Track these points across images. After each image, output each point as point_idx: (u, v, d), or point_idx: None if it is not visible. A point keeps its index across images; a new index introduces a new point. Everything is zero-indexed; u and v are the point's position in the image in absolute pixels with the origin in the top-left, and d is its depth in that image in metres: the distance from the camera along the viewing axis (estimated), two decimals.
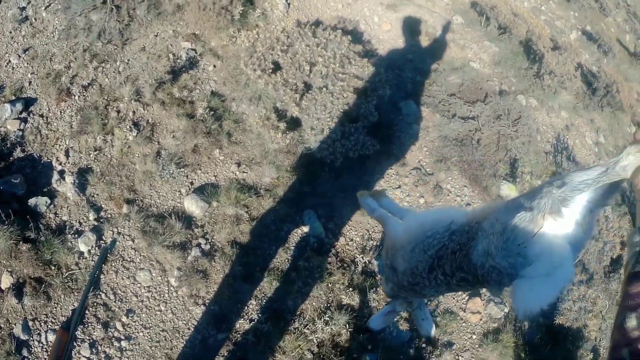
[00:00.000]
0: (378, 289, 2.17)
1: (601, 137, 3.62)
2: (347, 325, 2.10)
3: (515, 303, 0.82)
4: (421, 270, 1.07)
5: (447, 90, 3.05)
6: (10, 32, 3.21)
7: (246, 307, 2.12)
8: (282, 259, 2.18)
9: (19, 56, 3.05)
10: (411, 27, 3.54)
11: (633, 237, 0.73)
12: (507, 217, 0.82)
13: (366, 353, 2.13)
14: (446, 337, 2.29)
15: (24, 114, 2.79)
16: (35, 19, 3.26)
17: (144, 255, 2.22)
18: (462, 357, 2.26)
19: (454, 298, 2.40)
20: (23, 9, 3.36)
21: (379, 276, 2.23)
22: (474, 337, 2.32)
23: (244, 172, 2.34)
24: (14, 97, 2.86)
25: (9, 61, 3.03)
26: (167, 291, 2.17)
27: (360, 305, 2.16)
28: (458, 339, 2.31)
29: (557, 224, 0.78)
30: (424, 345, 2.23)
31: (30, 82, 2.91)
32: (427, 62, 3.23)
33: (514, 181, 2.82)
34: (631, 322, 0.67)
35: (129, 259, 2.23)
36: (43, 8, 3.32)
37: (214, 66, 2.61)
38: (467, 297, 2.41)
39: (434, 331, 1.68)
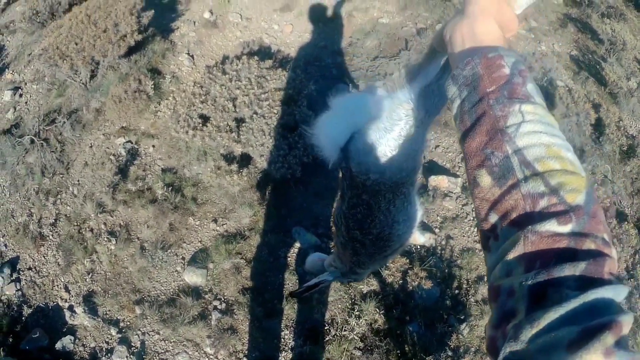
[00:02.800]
0: (388, 264, 2.48)
1: (532, 22, 3.92)
2: (377, 309, 2.43)
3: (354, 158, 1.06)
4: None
5: (368, 56, 3.41)
6: None
7: (282, 340, 2.46)
8: (292, 282, 2.52)
9: None
10: (312, 16, 3.90)
11: (449, 89, 0.72)
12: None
13: (407, 325, 2.43)
14: (473, 274, 2.59)
15: (14, 275, 3.18)
16: None
17: (173, 341, 2.57)
18: None
19: (464, 236, 2.71)
20: None
21: None
22: None
23: (222, 224, 2.70)
24: None
25: None
26: None
27: (380, 286, 2.48)
28: (486, 271, 2.60)
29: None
30: (456, 291, 2.53)
31: (6, 245, 3.31)
32: (340, 40, 3.58)
33: None
34: (484, 180, 0.62)
35: (162, 351, 2.58)
36: None
37: (153, 146, 3.01)
38: (475, 228, 2.71)
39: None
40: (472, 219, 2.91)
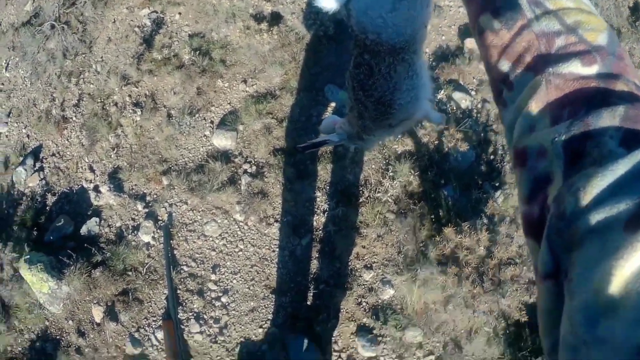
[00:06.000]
0: (424, 123, 2.51)
1: None
2: (412, 171, 2.52)
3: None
4: None
5: None
6: None
7: (315, 203, 2.55)
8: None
9: (6, 123, 3.75)
10: None
11: None
12: None
13: (442, 188, 2.47)
14: None
15: (37, 165, 3.43)
16: (1, 84, 3.99)
17: (202, 210, 2.71)
18: None
19: None
20: None
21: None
22: None
23: (252, 85, 2.81)
24: (21, 158, 3.51)
25: (0, 133, 3.70)
26: (238, 229, 2.64)
27: (416, 146, 2.56)
28: None
29: None
30: (492, 157, 2.54)
31: (28, 136, 3.57)
32: None
33: None
34: (490, 24, 0.61)
35: (190, 222, 2.73)
36: (4, 71, 4.04)
37: (179, 13, 3.15)
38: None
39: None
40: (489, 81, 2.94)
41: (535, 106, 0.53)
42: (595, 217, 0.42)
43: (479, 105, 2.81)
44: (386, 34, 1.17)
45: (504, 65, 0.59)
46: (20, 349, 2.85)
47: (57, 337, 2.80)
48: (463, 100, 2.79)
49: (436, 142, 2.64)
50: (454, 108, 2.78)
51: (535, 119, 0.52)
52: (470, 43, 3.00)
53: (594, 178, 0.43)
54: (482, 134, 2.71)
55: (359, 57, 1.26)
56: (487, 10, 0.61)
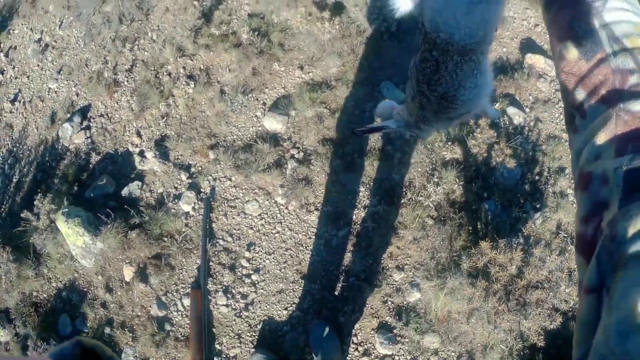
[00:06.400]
0: (475, 133, 2.60)
1: None
2: (457, 179, 2.60)
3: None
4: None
5: None
6: (38, 65, 4.07)
7: (357, 197, 2.65)
8: (374, 138, 2.72)
9: (56, 79, 3.88)
10: None
11: None
12: None
13: (483, 202, 2.55)
14: (556, 163, 2.72)
15: (84, 123, 3.56)
16: (54, 41, 4.11)
17: (245, 188, 2.82)
18: None
19: (552, 122, 2.87)
20: (39, 40, 4.23)
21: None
22: None
23: (309, 72, 2.89)
24: (68, 115, 3.64)
25: (49, 89, 3.86)
26: (278, 212, 2.75)
27: (464, 155, 2.67)
28: (568, 162, 2.78)
29: None
30: (537, 177, 2.60)
31: (77, 94, 3.70)
32: None
33: None
34: (571, 53, 0.67)
35: (232, 198, 2.84)
36: (57, 29, 4.16)
37: None
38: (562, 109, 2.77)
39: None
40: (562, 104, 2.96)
41: (603, 137, 0.59)
42: None
43: (532, 124, 2.88)
44: (459, 35, 1.22)
45: (580, 94, 0.65)
46: (45, 295, 3.01)
47: (85, 289, 2.96)
48: (517, 116, 2.86)
49: (485, 154, 2.71)
50: (507, 123, 2.85)
51: (602, 149, 0.58)
52: (531, 59, 3.04)
53: None
54: (531, 153, 2.78)
55: (427, 52, 1.32)
56: (569, 38, 0.67)
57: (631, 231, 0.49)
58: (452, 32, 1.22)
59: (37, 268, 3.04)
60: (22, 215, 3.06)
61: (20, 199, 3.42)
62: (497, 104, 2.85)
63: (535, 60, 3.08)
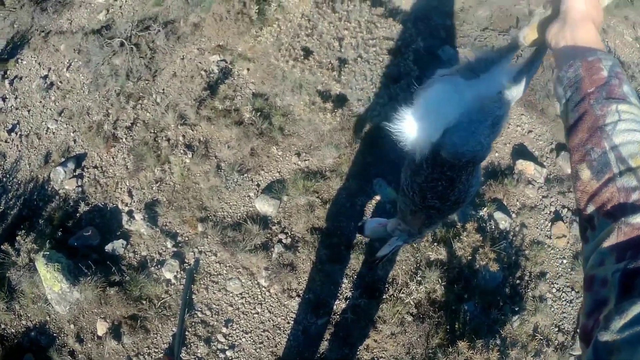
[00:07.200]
0: (462, 237, 2.69)
1: (639, 31, 4.07)
2: (439, 280, 2.69)
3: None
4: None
5: (478, 26, 3.75)
6: (40, 102, 4.09)
7: (339, 288, 2.69)
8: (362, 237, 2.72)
9: (56, 120, 3.90)
10: None
11: (557, 90, 0.91)
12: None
13: (464, 303, 2.61)
14: (538, 268, 2.86)
15: (78, 171, 3.57)
16: (60, 82, 4.14)
17: (229, 266, 2.84)
18: (557, 284, 2.88)
19: (537, 228, 3.01)
20: (45, 77, 4.26)
21: (456, 221, 2.75)
22: (565, 261, 2.95)
23: (305, 160, 2.96)
24: (63, 159, 3.65)
25: (47, 128, 3.87)
26: (259, 293, 2.77)
27: (449, 257, 2.75)
28: (550, 267, 2.92)
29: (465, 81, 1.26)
30: (518, 281, 2.68)
31: (74, 141, 3.71)
32: (452, 3, 3.80)
33: None
34: (585, 173, 0.77)
35: (215, 273, 2.86)
36: (65, 70, 4.21)
37: (248, 69, 3.30)
38: (549, 223, 3.03)
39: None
40: (549, 212, 3.16)
41: (606, 246, 0.69)
42: (631, 332, 0.57)
43: (517, 229, 3.00)
44: (482, 153, 1.37)
45: (591, 209, 0.75)
46: (13, 330, 2.95)
47: (54, 334, 2.90)
48: (503, 221, 2.98)
49: (469, 257, 2.81)
50: (493, 227, 2.96)
51: (605, 256, 0.68)
52: (521, 164, 3.17)
53: (636, 305, 0.58)
54: (514, 258, 2.89)
55: (437, 174, 1.45)
56: (584, 161, 0.78)
57: (622, 322, 0.58)
58: (476, 153, 1.36)
59: (9, 302, 2.98)
60: (1, 247, 3.01)
61: (2, 229, 3.37)
62: (485, 209, 2.95)
63: (525, 167, 3.21)
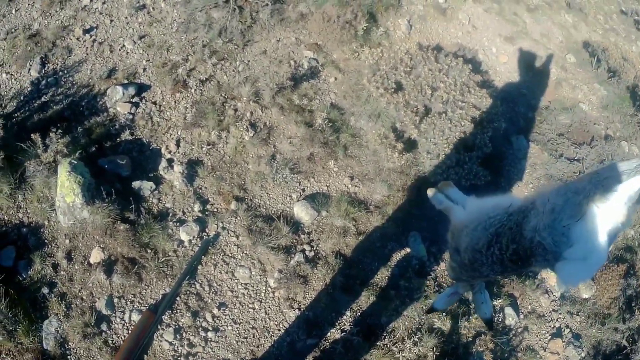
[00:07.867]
0: (470, 317, 2.72)
1: None
2: (434, 348, 2.69)
3: (559, 280, 1.29)
4: (481, 245, 1.55)
5: (556, 130, 3.77)
6: (126, 18, 4.07)
7: (340, 318, 2.71)
8: (382, 275, 2.79)
9: (134, 42, 3.88)
10: (526, 61, 4.20)
11: None
12: (557, 198, 1.25)
13: None
14: None
15: (135, 99, 3.56)
16: (153, 8, 4.13)
17: (246, 253, 2.83)
18: None
19: (537, 336, 3.03)
20: None
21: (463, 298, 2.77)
22: None
23: (356, 186, 2.96)
24: (126, 81, 3.65)
25: (123, 45, 3.85)
26: (264, 291, 2.76)
27: (450, 331, 2.80)
28: None
29: (600, 211, 1.16)
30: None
31: (144, 69, 3.71)
32: (539, 98, 3.85)
33: None
34: None
35: (230, 255, 2.85)
36: (161, 0, 4.17)
37: (335, 78, 3.31)
38: (550, 336, 3.05)
39: (491, 313, 2.25)
40: (553, 326, 3.16)
41: None
42: None
43: (519, 330, 3.02)
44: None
45: None
46: (6, 217, 2.90)
47: (46, 240, 2.85)
48: (510, 318, 3.01)
49: (470, 339, 2.81)
50: (500, 320, 2.98)
51: None
52: (546, 273, 3.16)
53: None
54: (507, 355, 2.89)
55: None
56: None
57: None
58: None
59: (15, 190, 2.93)
60: (32, 135, 2.93)
61: (38, 119, 3.31)
62: (500, 300, 2.96)
63: (549, 276, 3.23)
